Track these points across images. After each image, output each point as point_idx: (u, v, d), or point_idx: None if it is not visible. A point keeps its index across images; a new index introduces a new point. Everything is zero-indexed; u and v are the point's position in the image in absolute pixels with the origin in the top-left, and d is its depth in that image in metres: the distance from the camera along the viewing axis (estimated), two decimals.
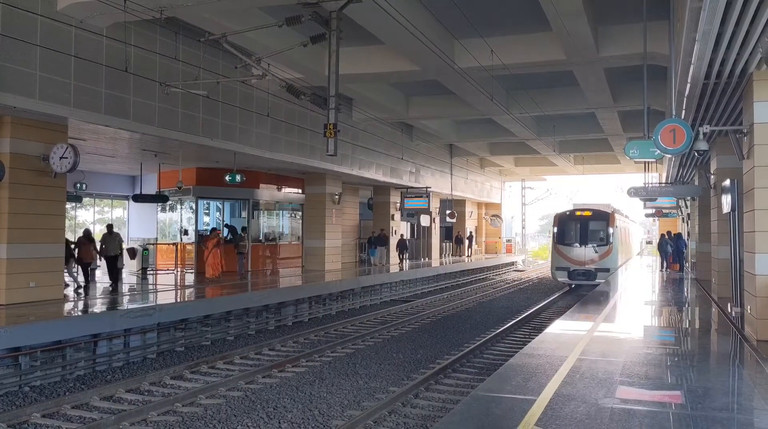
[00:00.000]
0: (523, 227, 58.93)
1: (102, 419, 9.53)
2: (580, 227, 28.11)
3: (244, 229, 26.94)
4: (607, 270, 27.08)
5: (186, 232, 27.45)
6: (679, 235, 31.39)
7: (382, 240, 34.42)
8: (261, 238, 29.19)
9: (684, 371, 8.56)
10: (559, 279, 28.74)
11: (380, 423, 9.49)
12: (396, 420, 9.65)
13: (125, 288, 19.79)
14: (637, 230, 57.23)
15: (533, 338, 11.89)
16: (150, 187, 27.48)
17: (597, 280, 26.53)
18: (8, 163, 14.32)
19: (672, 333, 12.27)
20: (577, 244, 27.86)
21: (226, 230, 27.82)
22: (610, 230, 27.62)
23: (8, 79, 13.33)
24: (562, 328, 12.42)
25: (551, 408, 6.36)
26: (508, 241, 55.32)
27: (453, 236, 47.07)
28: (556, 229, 28.90)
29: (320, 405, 10.52)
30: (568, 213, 29.32)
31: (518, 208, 58.58)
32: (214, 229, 24.06)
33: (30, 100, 13.78)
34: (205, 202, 28.11)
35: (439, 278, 32.96)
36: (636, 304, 16.63)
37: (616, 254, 28.27)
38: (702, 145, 11.59)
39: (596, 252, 27.42)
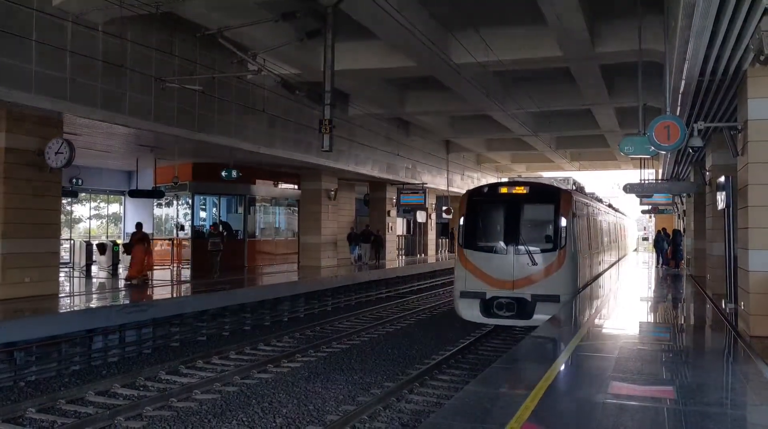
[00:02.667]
0: None
1: (97, 414, 9.55)
2: (506, 217, 15.67)
3: (215, 224, 25.24)
4: (555, 298, 14.74)
5: (182, 228, 27.43)
6: (677, 232, 30.75)
7: (366, 237, 32.63)
8: (257, 234, 29.18)
9: (677, 367, 8.59)
10: (464, 314, 15.54)
11: (375, 418, 9.52)
12: (390, 415, 9.68)
13: (120, 283, 19.78)
14: (631, 225, 50.62)
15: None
16: (146, 183, 27.43)
17: (535, 318, 14.45)
18: (3, 157, 14.29)
19: (665, 329, 12.31)
20: (499, 249, 15.37)
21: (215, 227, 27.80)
22: (563, 223, 15.17)
23: (4, 73, 13.28)
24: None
25: (544, 402, 6.39)
26: None
27: (449, 232, 47.10)
28: (462, 221, 16.05)
29: (315, 400, 10.55)
30: (486, 190, 16.82)
31: None
32: (138, 224, 20.97)
33: (25, 95, 13.73)
34: (201, 197, 28.09)
35: (434, 274, 32.99)
36: (630, 300, 16.68)
37: (574, 267, 15.53)
38: (697, 142, 11.63)
39: (534, 263, 15.04)
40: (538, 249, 15.04)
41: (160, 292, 18.01)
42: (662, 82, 12.59)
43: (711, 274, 17.38)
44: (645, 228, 69.16)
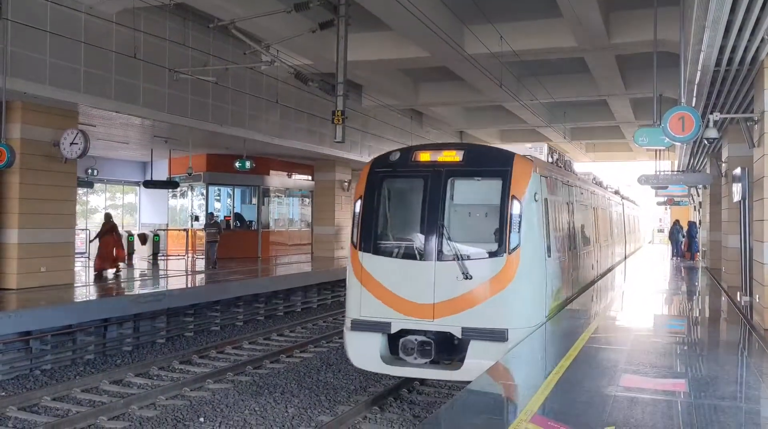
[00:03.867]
0: None
1: (111, 403, 9.64)
2: (425, 200, 9.99)
3: (211, 214, 24.04)
4: (500, 334, 9.22)
5: (197, 218, 27.56)
6: (692, 224, 30.35)
7: None
8: (271, 225, 29.27)
9: (690, 360, 8.53)
10: (354, 358, 9.93)
11: (385, 410, 9.55)
12: (401, 406, 9.70)
13: (136, 273, 19.92)
14: (644, 215, 44.05)
15: None
16: (161, 173, 27.56)
17: (467, 367, 9.18)
18: (19, 148, 14.39)
19: (679, 321, 12.22)
20: (413, 253, 9.88)
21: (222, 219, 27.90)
22: (517, 209, 9.56)
23: (19, 65, 13.38)
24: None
25: (555, 394, 6.37)
26: None
27: None
28: (358, 208, 10.29)
29: (327, 391, 10.58)
30: (396, 157, 10.44)
31: None
32: (107, 215, 19.51)
33: (40, 86, 13.84)
34: (215, 188, 28.19)
35: None
36: (644, 292, 16.55)
37: (539, 280, 10.06)
38: (712, 133, 11.50)
39: (467, 276, 9.40)
40: (474, 252, 9.52)
41: (175, 283, 18.12)
42: (678, 73, 12.45)
43: (726, 266, 17.23)
44: (660, 219, 68.71)
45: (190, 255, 26.50)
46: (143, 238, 24.95)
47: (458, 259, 9.38)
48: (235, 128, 19.56)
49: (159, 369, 11.93)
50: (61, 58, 14.18)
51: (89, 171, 25.05)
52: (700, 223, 29.20)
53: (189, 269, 22.60)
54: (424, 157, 10.10)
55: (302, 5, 12.77)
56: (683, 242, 30.11)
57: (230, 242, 25.31)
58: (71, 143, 15.07)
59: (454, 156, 10.01)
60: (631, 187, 41.20)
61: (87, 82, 14.77)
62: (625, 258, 25.75)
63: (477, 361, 8.95)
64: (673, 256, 30.33)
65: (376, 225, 10.10)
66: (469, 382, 7.22)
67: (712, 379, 7.17)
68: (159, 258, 24.82)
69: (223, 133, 19.40)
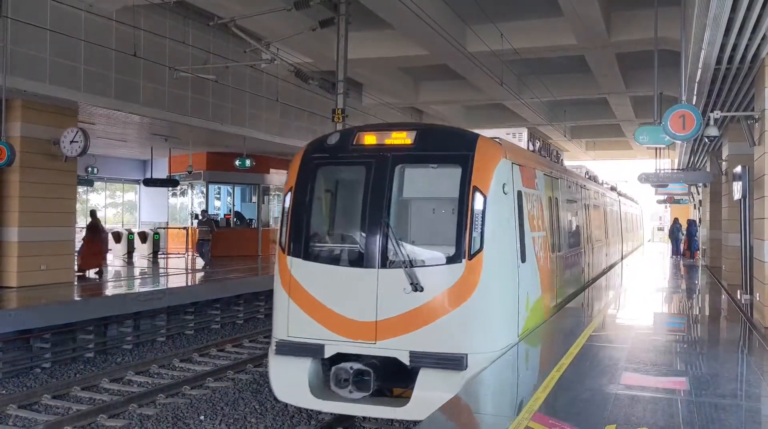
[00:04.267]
0: None
1: (111, 401, 9.64)
2: (367, 193, 8.18)
3: (204, 211, 23.78)
4: (457, 361, 7.49)
5: (197, 217, 27.56)
6: (692, 222, 30.30)
7: None
8: (271, 223, 29.26)
9: (690, 358, 8.53)
10: (278, 390, 8.22)
11: None
12: None
13: (136, 271, 19.92)
14: (643, 213, 42.04)
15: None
16: (161, 172, 27.57)
17: (416, 402, 7.44)
18: (19, 146, 14.39)
19: (680, 320, 12.22)
20: (352, 258, 8.19)
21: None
22: (479, 203, 7.79)
23: (19, 63, 13.38)
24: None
25: (556, 392, 6.37)
26: None
27: None
28: (288, 202, 8.53)
29: None
30: (335, 141, 8.72)
31: None
32: (92, 212, 18.81)
33: (40, 84, 13.84)
34: (215, 186, 28.19)
35: None
36: (644, 291, 16.54)
37: (509, 291, 8.26)
38: (713, 131, 11.50)
39: (417, 287, 7.66)
40: (427, 258, 7.88)
41: (175, 281, 18.11)
42: (679, 71, 12.44)
43: (726, 264, 17.23)
44: (660, 218, 68.76)
45: (190, 253, 26.50)
46: (143, 237, 24.94)
47: (406, 267, 7.67)
48: (235, 126, 19.56)
49: (159, 367, 11.92)
50: (61, 56, 14.18)
51: (89, 169, 25.06)
52: (700, 222, 29.17)
53: (189, 267, 22.60)
54: (369, 139, 8.43)
55: (302, 3, 12.78)
56: (683, 240, 30.10)
57: (230, 240, 25.34)
58: (71, 141, 15.06)
59: (404, 138, 8.32)
60: (628, 182, 40.99)
61: (87, 80, 14.76)
62: (622, 258, 24.48)
63: (428, 394, 7.29)
64: (673, 254, 30.32)
65: (308, 223, 8.37)
66: (418, 422, 6.01)
67: (712, 377, 7.16)
68: (159, 256, 24.81)
69: (223, 132, 19.39)
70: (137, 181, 31.18)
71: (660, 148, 26.53)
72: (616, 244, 22.35)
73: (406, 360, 7.63)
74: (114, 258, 23.54)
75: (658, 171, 26.24)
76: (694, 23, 9.26)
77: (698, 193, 30.81)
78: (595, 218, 16.95)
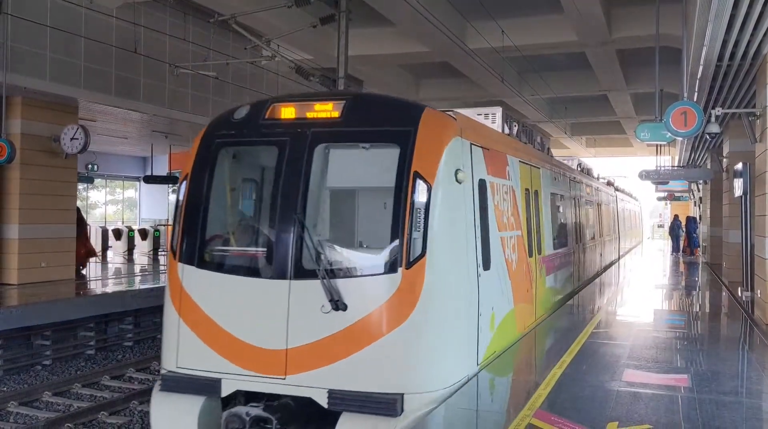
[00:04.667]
0: None
1: (112, 398, 9.64)
2: (285, 180, 6.30)
3: None
4: (391, 403, 5.66)
5: None
6: (691, 219, 30.24)
7: None
8: None
9: (691, 355, 8.52)
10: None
11: None
12: None
13: (137, 268, 19.92)
14: (643, 210, 39.99)
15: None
16: (161, 169, 27.56)
17: None
18: (19, 143, 14.38)
19: (680, 317, 12.21)
20: (256, 267, 6.37)
21: None
22: (422, 193, 5.96)
23: (19, 60, 13.36)
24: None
25: (557, 389, 6.36)
26: None
27: None
28: (183, 192, 6.74)
29: None
30: (244, 114, 6.81)
31: None
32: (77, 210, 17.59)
33: (40, 81, 13.82)
34: None
35: None
36: (645, 288, 16.55)
37: (472, 309, 6.57)
38: (714, 128, 11.50)
39: (338, 305, 5.83)
40: (353, 265, 6.19)
41: None
42: (680, 68, 12.42)
43: (727, 261, 17.23)
44: (660, 215, 68.75)
45: None
46: (143, 234, 24.94)
47: (324, 278, 5.86)
48: None
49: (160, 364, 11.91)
50: (62, 53, 14.16)
51: (89, 166, 25.04)
52: (700, 219, 29.16)
53: None
54: (286, 112, 6.59)
55: (303, 0, 12.72)
56: (683, 238, 30.09)
57: None
58: (71, 138, 15.05)
59: (329, 111, 6.46)
60: (627, 178, 40.74)
61: (87, 77, 14.74)
62: (619, 258, 23.59)
63: None
64: (673, 251, 30.31)
65: (205, 221, 6.59)
66: None
67: (714, 374, 7.16)
68: (159, 253, 24.81)
69: None
70: (137, 178, 31.17)
71: (660, 145, 26.54)
72: (612, 243, 21.26)
73: (323, 401, 5.81)
74: (114, 255, 23.54)
75: (658, 168, 26.22)
76: (695, 19, 9.24)
77: (699, 190, 30.80)
78: (587, 215, 15.82)
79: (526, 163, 9.42)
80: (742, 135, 13.21)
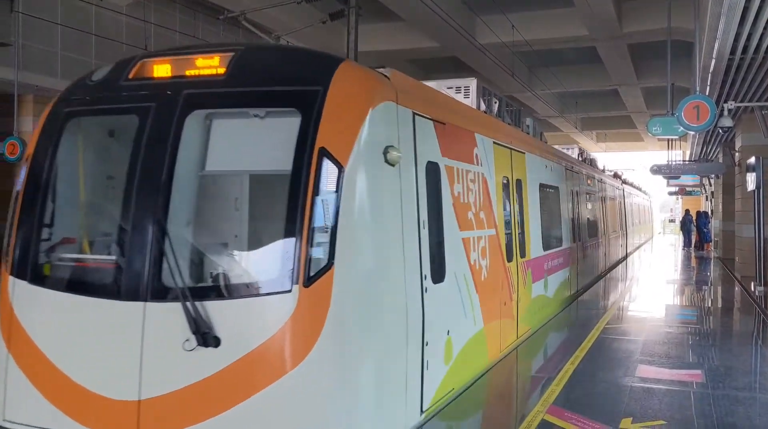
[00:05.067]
0: None
1: None
2: (144, 161, 4.49)
3: None
4: None
5: None
6: (703, 214, 29.89)
7: None
8: None
9: (705, 351, 8.49)
10: None
11: None
12: None
13: None
14: (648, 204, 36.70)
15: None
16: None
17: None
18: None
19: (693, 312, 12.16)
20: (110, 280, 4.47)
21: None
22: (329, 178, 4.19)
23: (31, 58, 13.42)
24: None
25: (571, 385, 6.35)
26: None
27: None
28: (22, 179, 4.96)
29: None
30: (105, 74, 5.32)
31: None
32: None
33: (52, 79, 13.87)
34: None
35: None
36: (657, 283, 16.48)
37: (414, 339, 4.87)
38: (726, 122, 11.43)
39: (208, 339, 4.09)
40: (229, 283, 4.36)
41: None
42: (691, 61, 12.34)
43: (740, 256, 17.13)
44: (671, 209, 68.44)
45: None
46: None
47: (186, 300, 4.17)
48: None
49: None
50: (73, 51, 14.21)
51: None
52: (712, 213, 29.00)
53: None
54: (159, 70, 4.88)
55: None
56: (694, 232, 29.95)
57: None
58: None
59: (215, 67, 4.72)
60: (635, 170, 40.39)
61: None
62: (627, 255, 22.41)
63: None
64: (684, 246, 30.17)
65: (41, 221, 4.83)
66: None
67: (727, 369, 7.13)
68: None
69: None
70: None
71: (672, 140, 26.42)
72: (618, 240, 19.54)
73: None
74: None
75: (669, 162, 26.12)
76: (708, 12, 9.17)
77: (710, 185, 30.63)
78: (589, 210, 14.39)
79: (505, 146, 7.71)
80: (754, 129, 13.14)
